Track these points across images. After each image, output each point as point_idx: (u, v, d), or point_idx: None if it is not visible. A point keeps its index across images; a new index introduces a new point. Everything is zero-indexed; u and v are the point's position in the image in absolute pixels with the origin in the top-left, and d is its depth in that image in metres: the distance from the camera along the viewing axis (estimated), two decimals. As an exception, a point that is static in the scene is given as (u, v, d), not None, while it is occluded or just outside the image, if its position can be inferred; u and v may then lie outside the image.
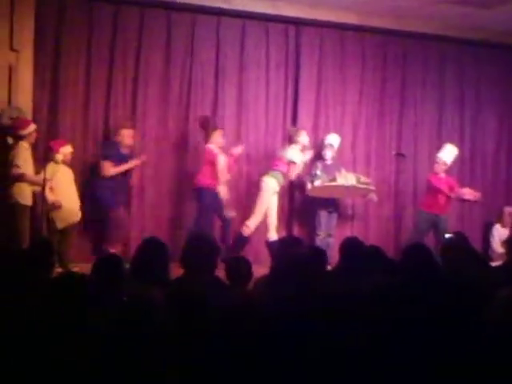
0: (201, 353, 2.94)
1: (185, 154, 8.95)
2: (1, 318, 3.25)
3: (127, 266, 4.53)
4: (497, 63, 10.27)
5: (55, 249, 6.15)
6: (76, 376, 2.77)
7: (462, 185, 9.40)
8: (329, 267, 5.63)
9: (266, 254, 8.21)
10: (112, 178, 8.08)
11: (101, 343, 2.88)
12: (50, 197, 7.53)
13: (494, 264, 6.53)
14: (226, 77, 9.13)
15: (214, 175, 8.11)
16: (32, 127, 7.64)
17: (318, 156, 9.09)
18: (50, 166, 7.50)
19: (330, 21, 9.31)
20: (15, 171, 7.39)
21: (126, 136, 8.24)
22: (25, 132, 7.55)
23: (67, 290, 3.22)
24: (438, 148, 9.32)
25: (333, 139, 9.17)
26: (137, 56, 8.75)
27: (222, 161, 8.14)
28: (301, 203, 9.39)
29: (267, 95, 9.34)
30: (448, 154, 9.09)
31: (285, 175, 8.51)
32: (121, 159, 8.16)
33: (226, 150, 8.34)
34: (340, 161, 9.25)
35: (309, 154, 8.77)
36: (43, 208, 7.47)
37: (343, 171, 8.93)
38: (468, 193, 9.10)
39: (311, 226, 9.12)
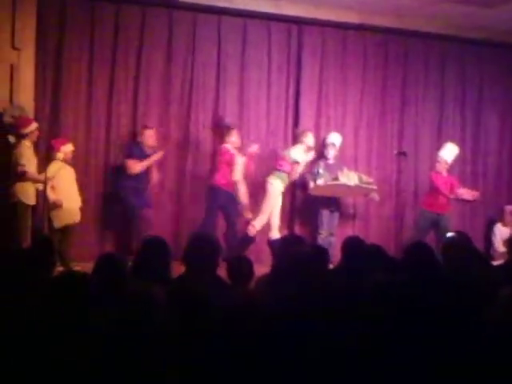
0: (201, 352, 2.94)
1: (186, 153, 8.95)
2: (1, 317, 3.25)
3: (129, 264, 4.53)
4: (499, 62, 10.27)
5: (56, 248, 6.16)
6: (76, 376, 2.77)
7: (464, 183, 9.41)
8: (331, 266, 5.63)
9: (267, 252, 8.22)
10: (135, 178, 8.11)
11: (101, 343, 2.87)
12: (52, 196, 7.54)
13: (495, 263, 6.54)
14: (228, 76, 9.14)
15: (231, 175, 8.15)
16: (34, 126, 7.65)
17: (320, 155, 9.09)
18: (52, 165, 7.52)
19: (332, 20, 9.32)
20: (20, 170, 7.40)
21: (148, 136, 8.29)
22: (27, 130, 7.56)
23: (68, 289, 3.22)
24: (439, 147, 9.32)
25: (335, 138, 9.18)
26: (138, 55, 8.76)
27: (239, 161, 8.18)
28: (303, 202, 9.40)
29: (269, 94, 9.35)
30: (449, 152, 9.09)
31: (289, 175, 8.53)
32: (144, 159, 8.20)
33: (240, 149, 8.40)
34: (341, 160, 9.25)
35: (310, 156, 8.78)
36: (45, 207, 7.48)
37: (345, 170, 8.93)
38: (466, 193, 9.10)
39: (313, 225, 9.12)
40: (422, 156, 9.94)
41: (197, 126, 9.00)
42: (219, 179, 8.21)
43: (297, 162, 8.52)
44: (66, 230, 7.74)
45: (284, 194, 8.72)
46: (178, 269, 4.56)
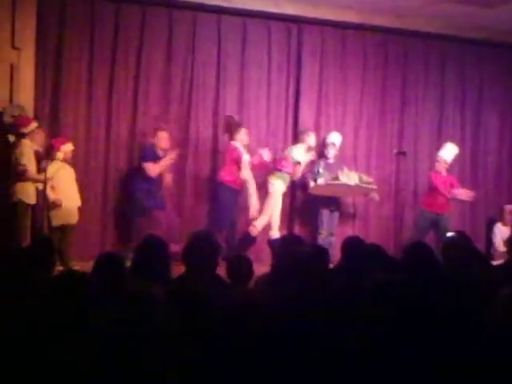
0: (201, 352, 2.94)
1: (186, 152, 8.94)
2: (1, 317, 3.25)
3: (128, 264, 4.54)
4: (499, 62, 10.27)
5: (56, 247, 6.16)
6: (76, 376, 2.77)
7: (464, 183, 9.41)
8: (330, 265, 5.63)
9: (267, 252, 8.22)
10: (148, 180, 8.11)
11: (101, 343, 2.87)
12: (51, 195, 7.54)
13: (495, 263, 6.53)
14: (228, 75, 9.13)
15: (237, 173, 8.15)
16: (34, 125, 7.65)
17: (321, 154, 9.09)
18: (52, 165, 7.52)
19: (332, 19, 9.31)
20: (20, 170, 7.39)
21: (161, 138, 8.29)
22: (27, 130, 7.55)
23: (68, 289, 3.22)
24: (439, 147, 9.32)
25: (335, 138, 9.18)
26: (138, 54, 8.75)
27: (246, 160, 8.18)
28: (302, 201, 9.39)
29: (268, 94, 9.34)
30: (448, 152, 9.10)
31: (291, 175, 8.54)
32: (157, 161, 8.19)
33: (250, 149, 8.43)
34: (341, 159, 9.24)
35: (311, 155, 8.78)
36: (44, 206, 7.48)
37: (345, 170, 8.93)
38: (462, 193, 9.09)
39: (313, 225, 9.12)
40: (422, 156, 9.94)
41: (197, 125, 8.99)
42: (224, 176, 8.21)
43: (298, 163, 8.54)
44: (66, 229, 7.75)
45: (284, 194, 8.72)
46: (178, 269, 4.56)
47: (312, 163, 8.90)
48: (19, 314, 3.24)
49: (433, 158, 9.29)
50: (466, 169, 10.18)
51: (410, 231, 9.22)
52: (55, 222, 7.63)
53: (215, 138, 9.03)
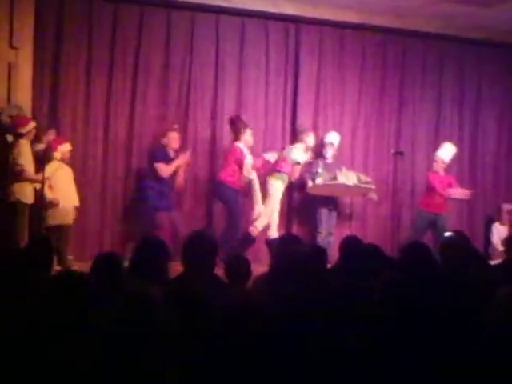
0: (201, 352, 2.94)
1: (184, 152, 8.92)
2: (1, 317, 3.25)
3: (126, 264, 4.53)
4: (498, 62, 10.26)
5: (54, 246, 6.15)
6: (76, 376, 2.77)
7: (462, 183, 9.42)
8: (328, 265, 5.64)
9: (265, 252, 8.22)
10: (160, 181, 8.12)
11: (101, 343, 2.87)
12: (49, 195, 7.53)
13: (493, 262, 6.54)
14: (226, 75, 9.13)
15: (239, 174, 8.15)
16: (32, 125, 7.63)
17: (319, 154, 9.09)
18: (50, 165, 7.51)
19: (330, 19, 9.31)
20: (18, 169, 7.38)
21: (172, 138, 8.29)
22: (24, 130, 7.53)
23: (68, 289, 3.21)
24: (437, 147, 9.33)
25: (333, 137, 9.18)
26: (136, 54, 8.74)
27: (248, 162, 8.17)
28: (300, 201, 9.39)
29: (266, 94, 9.34)
30: (446, 152, 9.11)
31: (289, 176, 8.55)
32: (169, 161, 8.20)
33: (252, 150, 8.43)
34: (339, 159, 9.24)
35: (309, 155, 8.78)
36: (41, 206, 7.47)
37: (344, 170, 8.93)
38: (458, 193, 9.09)
39: (311, 225, 9.11)
40: (419, 156, 9.93)
41: (195, 125, 8.99)
42: (225, 176, 8.20)
43: (298, 163, 8.54)
44: (63, 229, 7.73)
45: (282, 194, 8.72)
46: (177, 269, 4.55)
47: (310, 163, 8.90)
48: (19, 313, 3.24)
49: (430, 158, 9.29)
50: (464, 169, 10.18)
51: (407, 231, 9.22)
52: (51, 222, 7.62)
53: (213, 137, 9.03)
